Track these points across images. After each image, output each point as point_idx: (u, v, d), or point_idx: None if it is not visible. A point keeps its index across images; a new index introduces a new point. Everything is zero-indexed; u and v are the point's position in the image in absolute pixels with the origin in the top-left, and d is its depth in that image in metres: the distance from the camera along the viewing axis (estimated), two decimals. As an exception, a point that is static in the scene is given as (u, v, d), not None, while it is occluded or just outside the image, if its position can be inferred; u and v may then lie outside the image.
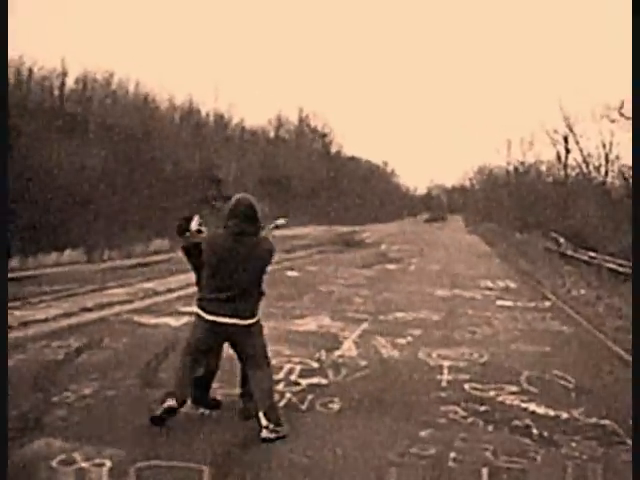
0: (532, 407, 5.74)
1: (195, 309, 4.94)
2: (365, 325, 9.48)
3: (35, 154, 21.49)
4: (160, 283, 13.53)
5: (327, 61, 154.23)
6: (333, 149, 72.97)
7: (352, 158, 77.77)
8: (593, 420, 5.41)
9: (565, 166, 44.71)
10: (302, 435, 4.79)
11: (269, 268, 5.15)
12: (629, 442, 4.81)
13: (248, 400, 5.14)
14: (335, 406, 5.57)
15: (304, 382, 6.28)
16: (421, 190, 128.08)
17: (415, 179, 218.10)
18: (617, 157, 38.43)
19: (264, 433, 4.65)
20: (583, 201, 36.57)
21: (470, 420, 5.32)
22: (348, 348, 7.90)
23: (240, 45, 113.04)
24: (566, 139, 42.77)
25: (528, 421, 5.33)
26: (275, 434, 4.66)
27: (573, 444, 4.82)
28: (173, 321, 9.11)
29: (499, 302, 12.62)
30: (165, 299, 11.47)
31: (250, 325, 4.85)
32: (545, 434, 5.02)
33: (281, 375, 6.45)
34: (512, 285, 15.96)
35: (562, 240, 28.47)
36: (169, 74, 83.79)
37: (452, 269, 19.66)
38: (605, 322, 10.67)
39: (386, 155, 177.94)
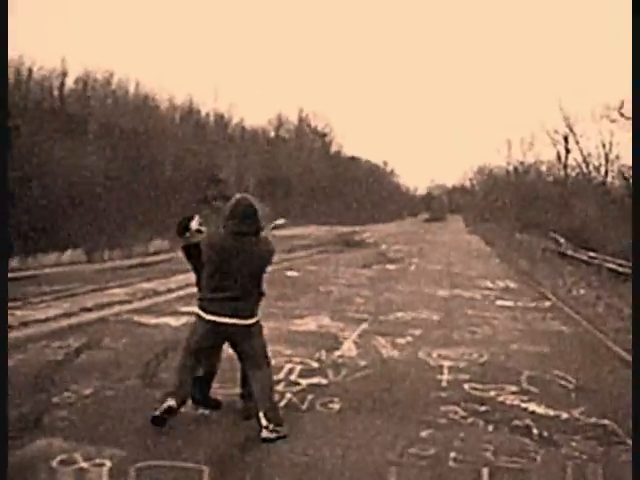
0: (532, 407, 5.73)
1: (195, 309, 4.93)
2: (365, 325, 9.48)
3: (35, 154, 21.49)
4: (160, 283, 13.53)
5: (327, 61, 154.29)
6: (333, 149, 73.05)
7: (352, 158, 77.78)
8: (593, 420, 5.41)
9: (565, 166, 44.82)
10: (302, 435, 4.78)
11: (269, 268, 5.14)
12: (629, 442, 4.81)
13: (248, 400, 5.14)
14: (335, 406, 5.57)
15: (304, 382, 6.28)
16: (421, 190, 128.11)
17: (415, 179, 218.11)
18: (617, 157, 38.57)
19: (264, 433, 4.65)
20: (583, 201, 36.59)
21: (470, 420, 5.32)
22: (348, 348, 7.90)
23: (240, 45, 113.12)
24: (566, 139, 42.89)
25: (528, 421, 5.33)
26: (275, 434, 4.66)
27: (573, 444, 4.82)
28: (173, 321, 9.11)
29: (499, 302, 12.62)
30: (165, 299, 11.48)
31: (250, 325, 4.84)
32: (545, 434, 5.02)
33: (281, 375, 6.45)
34: (512, 285, 15.96)
35: (562, 240, 28.49)
36: (169, 74, 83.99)
37: (452, 269, 19.66)
38: (605, 322, 10.67)
39: (386, 155, 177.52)
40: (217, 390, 5.51)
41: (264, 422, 4.67)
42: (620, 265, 17.93)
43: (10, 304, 9.14)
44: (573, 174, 44.16)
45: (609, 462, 4.51)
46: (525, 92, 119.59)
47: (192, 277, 5.54)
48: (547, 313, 11.49)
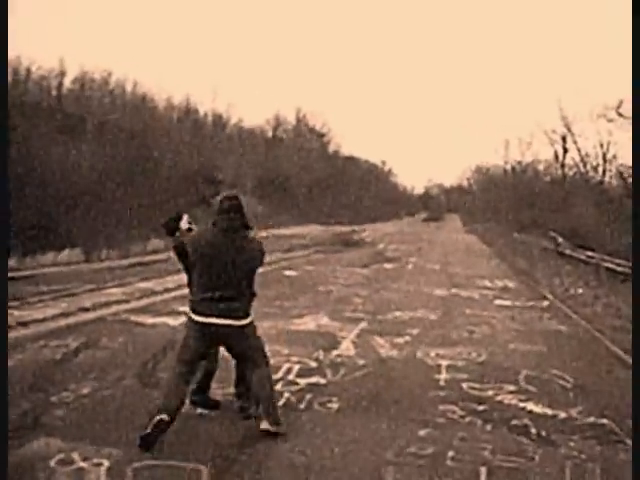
0: (530, 406, 5.74)
1: (187, 313, 4.82)
2: (363, 324, 9.48)
3: (32, 154, 21.45)
4: (158, 283, 13.52)
5: (325, 61, 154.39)
6: (331, 149, 73.08)
7: (350, 158, 77.84)
8: (591, 419, 5.42)
9: (563, 165, 44.87)
10: (300, 434, 4.78)
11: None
12: (627, 441, 4.82)
13: (245, 400, 5.15)
14: (333, 405, 5.57)
15: (302, 381, 6.28)
16: (419, 190, 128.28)
17: (413, 178, 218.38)
18: (614, 157, 38.56)
19: (264, 425, 4.67)
20: (581, 200, 36.62)
21: (468, 419, 5.32)
22: (346, 347, 7.90)
23: (238, 45, 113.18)
24: (564, 139, 42.91)
25: (526, 420, 5.34)
26: (275, 427, 4.68)
27: (571, 443, 4.82)
28: (171, 320, 9.10)
29: (497, 302, 12.63)
30: (163, 299, 11.47)
31: (244, 326, 4.76)
32: (543, 433, 5.03)
33: (279, 374, 6.44)
34: (510, 284, 15.97)
35: (560, 239, 28.51)
36: (167, 74, 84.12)
37: (450, 268, 19.67)
38: (603, 321, 10.68)
39: (384, 154, 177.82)
40: (215, 390, 5.51)
41: (263, 414, 4.71)
42: (618, 264, 17.95)
43: (8, 304, 9.13)
44: (571, 174, 44.20)
45: (607, 462, 4.51)
46: (523, 92, 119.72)
47: (190, 277, 5.52)
48: (545, 312, 11.50)
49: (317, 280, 15.15)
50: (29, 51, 66.35)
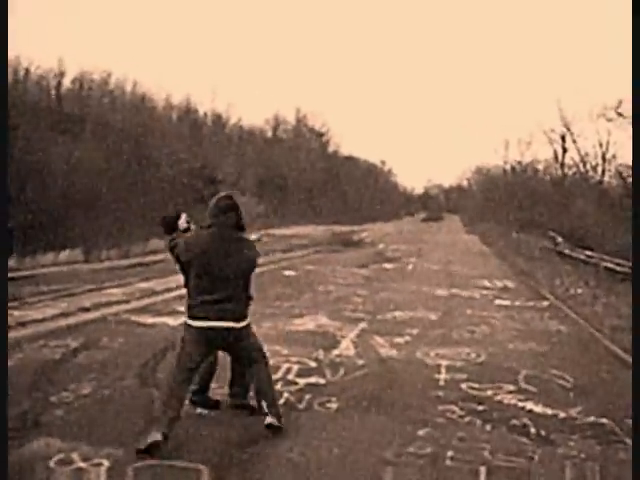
0: (530, 406, 5.74)
1: (185, 319, 4.71)
2: (363, 324, 9.48)
3: (32, 154, 21.47)
4: (158, 283, 13.52)
5: (324, 61, 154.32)
6: (331, 148, 73.04)
7: (350, 157, 77.79)
8: (591, 419, 5.41)
9: (562, 165, 44.88)
10: (300, 434, 4.78)
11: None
12: (627, 441, 4.82)
13: (239, 399, 5.18)
14: (333, 405, 5.57)
15: (302, 381, 6.28)
16: (419, 190, 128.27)
17: (413, 178, 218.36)
18: (614, 156, 38.60)
19: (268, 419, 4.67)
20: (580, 200, 36.63)
21: (468, 419, 5.32)
22: (346, 347, 7.91)
23: (238, 45, 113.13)
24: (563, 138, 42.92)
25: (526, 420, 5.34)
26: (279, 421, 4.69)
27: (571, 443, 4.82)
28: (171, 320, 9.09)
29: (497, 301, 12.63)
30: (163, 299, 11.47)
31: (243, 328, 4.75)
32: (543, 433, 5.02)
33: (279, 374, 6.44)
34: (510, 284, 15.97)
35: (560, 239, 28.52)
36: (167, 74, 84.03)
37: (450, 268, 19.67)
38: (603, 321, 10.67)
39: (384, 154, 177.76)
40: (215, 390, 5.51)
41: (267, 409, 4.71)
42: (618, 264, 17.96)
43: (8, 304, 9.13)
44: (570, 173, 44.22)
45: (607, 461, 4.51)
46: (522, 92, 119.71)
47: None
48: (545, 312, 11.50)
49: (317, 280, 15.15)
50: (28, 51, 66.34)
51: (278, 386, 5.96)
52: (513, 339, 8.83)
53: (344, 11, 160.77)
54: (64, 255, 18.79)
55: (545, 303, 12.79)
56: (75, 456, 4.21)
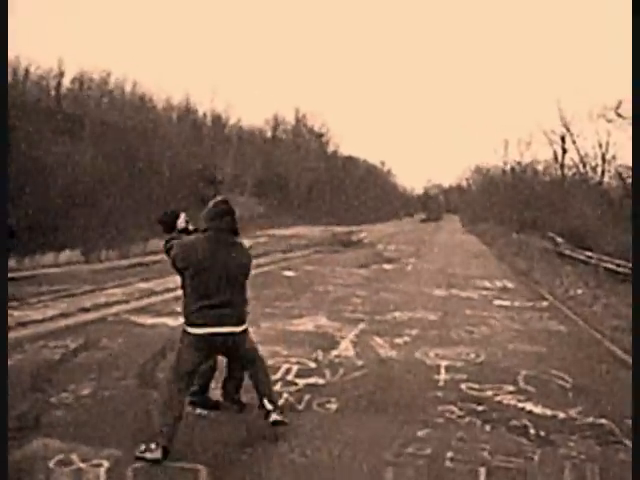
0: (529, 407, 5.74)
1: (183, 326, 4.64)
2: (362, 325, 9.48)
3: (31, 154, 21.46)
4: (157, 283, 13.52)
5: (324, 61, 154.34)
6: (330, 149, 73.06)
7: (349, 158, 77.83)
8: (590, 420, 5.41)
9: (562, 166, 44.87)
10: (299, 435, 4.78)
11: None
12: (626, 442, 4.82)
13: (231, 396, 5.25)
14: (332, 406, 5.58)
15: (301, 382, 6.28)
16: (418, 190, 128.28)
17: (412, 179, 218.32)
18: (614, 157, 38.58)
19: (273, 416, 4.66)
20: (580, 201, 36.59)
21: (467, 420, 5.32)
22: (345, 348, 7.91)
23: (237, 45, 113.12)
24: (563, 139, 42.92)
25: (525, 421, 5.33)
26: (283, 416, 4.69)
27: (570, 444, 4.82)
28: (171, 321, 9.09)
29: (496, 302, 12.63)
30: (162, 299, 11.47)
31: (243, 332, 4.74)
32: (542, 434, 5.03)
33: (278, 375, 6.44)
34: (509, 285, 15.97)
35: (559, 240, 28.53)
36: (166, 74, 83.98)
37: (449, 269, 19.67)
38: (602, 322, 10.67)
39: (383, 155, 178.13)
40: (215, 390, 5.51)
41: (270, 406, 4.69)
42: (617, 265, 17.97)
43: (8, 304, 9.13)
44: (570, 174, 44.21)
45: (606, 462, 4.51)
46: (523, 92, 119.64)
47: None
48: (544, 313, 11.50)
49: (316, 280, 15.15)
50: (28, 51, 66.34)
51: (277, 386, 5.98)
52: (513, 339, 8.83)
53: (344, 11, 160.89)
54: (64, 255, 18.80)
55: (545, 303, 12.79)
56: (75, 457, 4.21)
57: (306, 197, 59.34)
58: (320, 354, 7.46)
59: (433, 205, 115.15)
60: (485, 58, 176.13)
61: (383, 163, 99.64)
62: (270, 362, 6.93)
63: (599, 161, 40.07)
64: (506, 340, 8.77)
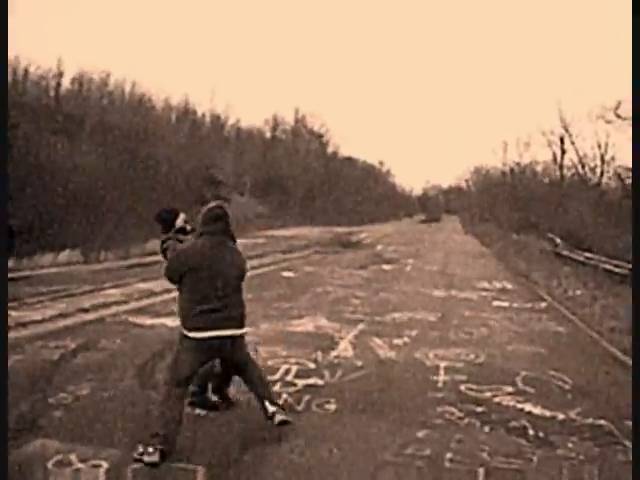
0: (528, 408, 5.74)
1: (181, 331, 4.61)
2: (361, 326, 9.48)
3: (30, 154, 21.46)
4: (157, 284, 13.50)
5: (323, 61, 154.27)
6: (329, 149, 73.00)
7: (348, 158, 77.79)
8: (589, 421, 5.42)
9: (561, 167, 44.89)
10: (298, 436, 4.78)
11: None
12: (626, 443, 4.82)
13: (220, 393, 5.30)
14: (331, 407, 5.58)
15: (300, 383, 6.28)
16: (417, 190, 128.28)
17: (411, 179, 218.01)
18: (613, 158, 38.63)
19: (278, 417, 4.66)
20: (579, 202, 36.63)
21: (466, 421, 5.33)
22: (344, 349, 7.91)
23: (237, 46, 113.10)
24: (562, 140, 42.95)
25: (524, 422, 5.34)
26: (286, 415, 4.70)
27: (569, 445, 4.83)
28: (170, 321, 9.08)
29: (495, 303, 12.63)
30: (162, 299, 11.46)
31: (242, 335, 4.75)
32: (541, 435, 5.03)
33: (277, 376, 6.45)
34: (508, 286, 15.96)
35: (558, 241, 28.54)
36: (165, 74, 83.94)
37: (448, 270, 19.66)
38: (601, 323, 10.67)
39: (382, 155, 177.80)
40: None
41: (273, 408, 4.70)
42: (616, 266, 17.96)
43: (7, 304, 9.12)
44: (569, 175, 44.26)
45: (605, 463, 4.52)
46: (522, 93, 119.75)
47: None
48: (543, 314, 11.50)
49: (315, 281, 15.15)
50: (27, 51, 66.30)
51: (277, 387, 5.98)
52: (512, 340, 8.83)
53: (343, 12, 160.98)
54: (63, 256, 18.78)
55: (543, 304, 12.79)
56: (73, 457, 4.21)
57: (305, 198, 59.31)
58: (319, 355, 7.46)
59: (432, 206, 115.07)
60: (484, 59, 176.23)
61: (382, 163, 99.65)
62: (269, 363, 6.95)
63: (598, 162, 40.14)
64: (505, 341, 8.78)
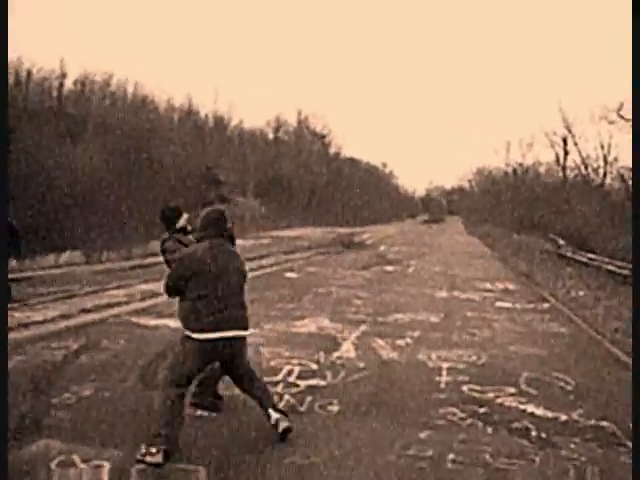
0: (531, 409, 5.74)
1: (185, 332, 4.60)
2: (364, 327, 9.48)
3: (33, 155, 21.47)
4: (159, 284, 13.50)
5: (326, 62, 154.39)
6: (332, 150, 73.04)
7: (351, 159, 77.82)
8: (592, 422, 5.41)
9: (564, 168, 44.91)
10: (301, 437, 4.78)
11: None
12: (628, 444, 4.82)
13: (207, 396, 5.32)
14: (334, 408, 5.57)
15: (303, 384, 6.28)
16: (420, 191, 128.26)
17: (414, 180, 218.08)
18: (615, 159, 38.62)
19: (282, 424, 4.63)
20: (582, 203, 36.60)
21: (469, 422, 5.32)
22: (347, 350, 7.90)
23: (239, 47, 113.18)
24: (565, 141, 42.94)
25: (527, 423, 5.33)
26: (290, 422, 4.68)
27: (572, 446, 4.82)
28: (172, 322, 9.07)
29: (498, 304, 12.62)
30: (164, 300, 11.43)
31: (246, 336, 4.75)
32: (544, 436, 5.02)
33: (280, 377, 6.45)
34: (511, 287, 15.95)
35: (561, 242, 28.51)
36: (168, 75, 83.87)
37: (451, 271, 19.65)
38: (604, 324, 10.66)
39: (385, 156, 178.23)
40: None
41: (277, 415, 4.66)
42: (619, 267, 17.95)
43: (8, 305, 9.14)
44: (572, 176, 44.24)
45: (608, 464, 4.51)
46: (524, 94, 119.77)
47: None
48: (546, 315, 11.49)
49: (318, 282, 15.15)
50: (30, 52, 66.51)
51: (279, 388, 5.99)
52: (514, 341, 8.82)
53: (346, 13, 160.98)
54: (65, 257, 18.82)
55: (546, 305, 12.78)
56: (76, 458, 4.21)
57: (308, 199, 59.34)
58: (322, 356, 7.46)
59: (435, 207, 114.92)
60: (487, 60, 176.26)
61: (385, 165, 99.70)
62: (272, 363, 6.96)
63: (601, 163, 40.15)
64: (507, 342, 8.77)
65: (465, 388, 6.34)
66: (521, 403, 5.90)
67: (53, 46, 71.91)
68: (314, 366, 7.00)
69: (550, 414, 5.60)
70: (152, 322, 9.33)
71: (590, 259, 21.76)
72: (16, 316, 9.19)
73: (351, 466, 4.31)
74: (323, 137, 71.00)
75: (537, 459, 4.54)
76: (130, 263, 19.06)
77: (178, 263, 4.71)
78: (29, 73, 34.39)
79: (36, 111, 28.24)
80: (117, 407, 5.37)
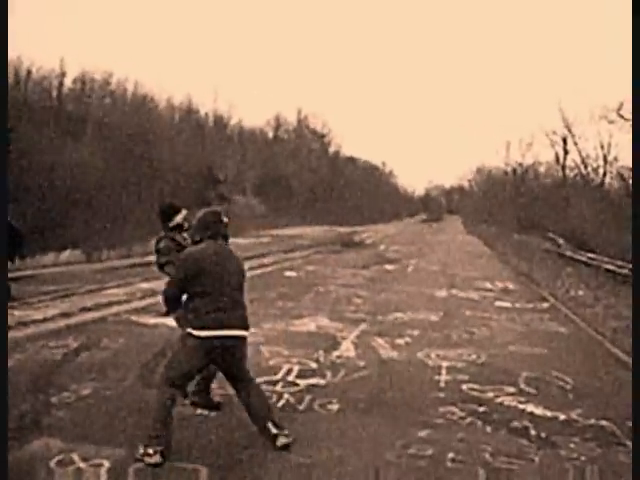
0: (530, 408, 5.74)
1: (185, 330, 4.59)
2: (364, 326, 9.48)
3: (33, 154, 21.47)
4: (159, 283, 13.50)
5: (326, 62, 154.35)
6: (332, 149, 73.08)
7: (351, 158, 77.87)
8: (591, 421, 5.41)
9: (564, 167, 44.88)
10: (300, 436, 4.77)
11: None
12: (627, 443, 4.82)
13: (201, 396, 5.32)
14: (333, 407, 5.57)
15: (302, 383, 6.28)
16: (419, 191, 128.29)
17: (414, 180, 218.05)
18: (615, 159, 38.61)
19: (281, 440, 4.51)
20: (582, 202, 36.59)
21: (468, 421, 5.32)
22: (346, 348, 7.90)
23: (239, 46, 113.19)
24: (565, 140, 42.93)
25: (526, 422, 5.33)
26: (289, 438, 4.57)
27: (571, 445, 4.82)
28: (172, 321, 9.07)
29: (497, 303, 12.62)
30: (164, 299, 11.45)
31: (244, 338, 4.69)
32: (543, 435, 5.02)
33: (279, 375, 6.45)
34: (511, 286, 15.96)
35: (561, 241, 28.54)
36: (168, 74, 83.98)
37: (450, 270, 19.65)
38: (603, 323, 10.67)
39: (385, 155, 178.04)
40: (216, 391, 5.51)
41: (275, 430, 4.55)
42: (619, 266, 17.96)
43: (8, 304, 9.13)
44: (571, 175, 44.23)
45: (607, 463, 4.51)
46: (524, 93, 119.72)
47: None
48: (545, 314, 11.49)
49: (318, 281, 15.15)
50: (30, 51, 66.44)
51: (278, 387, 5.99)
52: (514, 341, 8.82)
53: (346, 12, 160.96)
54: (65, 255, 18.81)
55: (546, 305, 12.78)
56: (75, 457, 4.21)
57: (308, 197, 59.35)
58: (321, 355, 7.46)
59: (434, 206, 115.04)
60: (487, 59, 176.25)
61: (385, 164, 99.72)
62: (271, 362, 6.96)
63: (601, 162, 40.13)
64: (507, 341, 8.77)
65: (465, 387, 6.34)
66: (520, 402, 5.91)
67: (53, 45, 71.95)
68: (314, 365, 6.99)
69: (549, 413, 5.60)
70: (152, 321, 9.32)
71: (590, 258, 21.78)
72: (16, 314, 9.19)
73: (351, 465, 4.30)
74: (323, 136, 71.01)
75: (536, 458, 4.54)
76: (130, 261, 19.04)
77: (179, 265, 4.70)
78: (29, 72, 34.37)
79: (36, 110, 28.21)
80: (116, 406, 5.36)
